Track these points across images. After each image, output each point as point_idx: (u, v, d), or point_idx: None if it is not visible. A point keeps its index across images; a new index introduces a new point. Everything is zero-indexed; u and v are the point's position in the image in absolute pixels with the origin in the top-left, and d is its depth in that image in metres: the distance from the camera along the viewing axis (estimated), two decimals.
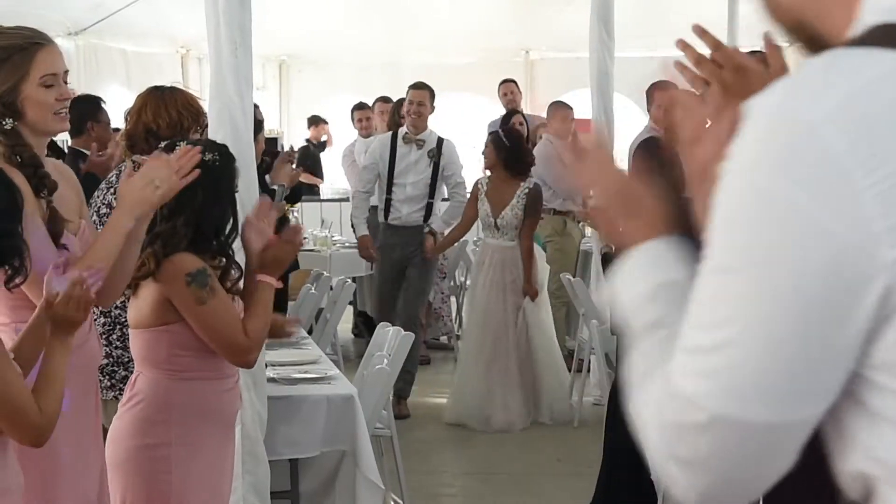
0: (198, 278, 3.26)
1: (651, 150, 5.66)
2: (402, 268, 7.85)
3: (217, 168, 3.35)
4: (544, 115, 10.33)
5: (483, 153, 7.61)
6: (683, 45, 1.77)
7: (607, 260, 6.01)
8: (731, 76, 1.72)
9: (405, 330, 6.19)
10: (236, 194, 3.56)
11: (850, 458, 1.19)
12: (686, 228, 1.44)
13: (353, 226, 8.23)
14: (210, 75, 4.29)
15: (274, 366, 4.71)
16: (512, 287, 7.42)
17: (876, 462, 1.17)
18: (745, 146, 1.16)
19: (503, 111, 10.52)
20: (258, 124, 7.67)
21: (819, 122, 1.11)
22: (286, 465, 4.45)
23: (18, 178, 2.96)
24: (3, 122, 3.02)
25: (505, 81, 11.22)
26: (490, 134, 7.88)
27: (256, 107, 8.14)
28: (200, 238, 3.35)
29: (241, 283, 3.47)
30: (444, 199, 8.17)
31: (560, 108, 9.97)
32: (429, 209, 7.88)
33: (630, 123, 7.99)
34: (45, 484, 2.89)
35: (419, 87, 7.93)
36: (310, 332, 6.45)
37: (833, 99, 1.12)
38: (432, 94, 7.88)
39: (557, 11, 11.88)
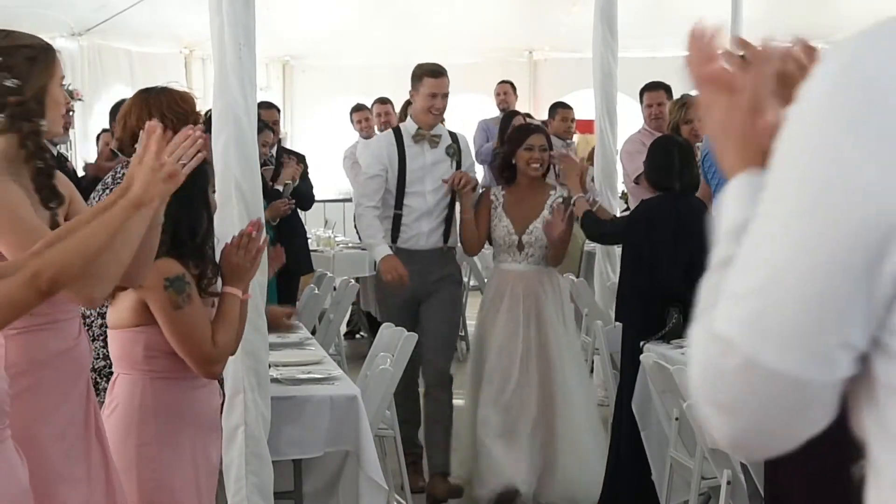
0: (175, 283, 3.28)
1: (666, 146, 5.64)
2: (415, 305, 6.05)
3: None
4: (545, 115, 10.37)
5: (536, 156, 5.94)
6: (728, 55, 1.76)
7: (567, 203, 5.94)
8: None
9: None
10: (212, 195, 3.56)
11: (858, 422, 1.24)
12: None
13: (368, 246, 6.33)
14: (214, 76, 4.29)
15: (277, 366, 4.71)
16: (542, 322, 5.90)
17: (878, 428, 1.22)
18: (815, 97, 1.20)
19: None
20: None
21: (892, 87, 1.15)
22: (290, 465, 4.45)
23: (25, 183, 2.95)
24: (41, 123, 2.96)
25: (501, 82, 11.27)
26: (539, 129, 6.30)
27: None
28: (178, 243, 3.35)
29: (217, 287, 3.49)
30: None
31: (560, 109, 10.01)
32: (448, 225, 6.11)
33: (633, 124, 7.98)
34: (35, 490, 2.88)
35: (441, 72, 6.10)
36: (313, 333, 6.45)
37: None
38: (448, 79, 6.15)
39: (561, 12, 11.89)
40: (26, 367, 2.91)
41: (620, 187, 7.67)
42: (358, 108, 10.60)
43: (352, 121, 10.60)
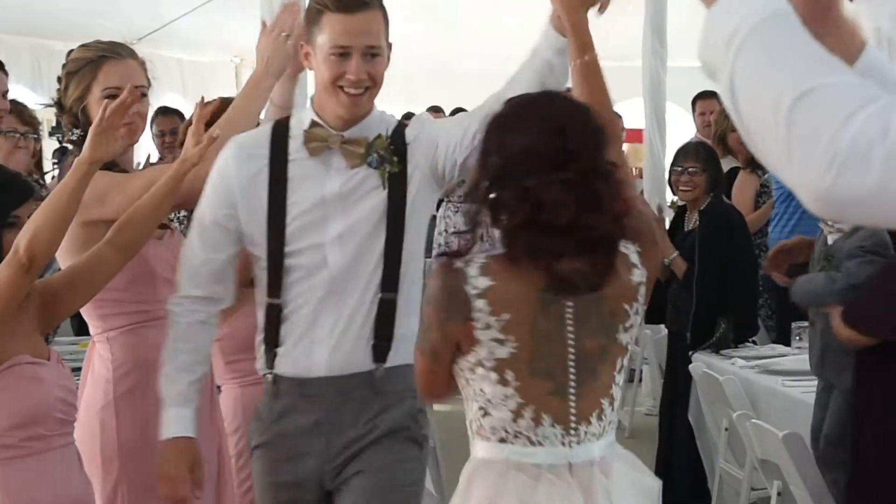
0: None
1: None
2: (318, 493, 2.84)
3: None
4: None
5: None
6: None
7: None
8: None
9: None
10: None
11: None
12: None
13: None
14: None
15: None
16: None
17: None
18: None
19: None
20: None
21: None
22: None
23: None
24: (70, 133, 3.08)
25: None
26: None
27: None
28: None
29: None
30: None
31: None
32: (386, 317, 2.81)
33: (682, 133, 7.95)
34: (145, 487, 2.93)
35: (360, 2, 2.78)
36: None
37: None
38: (386, 19, 2.86)
39: (609, 20, 11.86)
40: (132, 366, 2.98)
41: (669, 197, 7.64)
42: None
43: None
